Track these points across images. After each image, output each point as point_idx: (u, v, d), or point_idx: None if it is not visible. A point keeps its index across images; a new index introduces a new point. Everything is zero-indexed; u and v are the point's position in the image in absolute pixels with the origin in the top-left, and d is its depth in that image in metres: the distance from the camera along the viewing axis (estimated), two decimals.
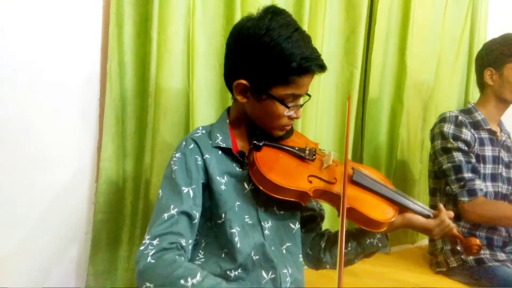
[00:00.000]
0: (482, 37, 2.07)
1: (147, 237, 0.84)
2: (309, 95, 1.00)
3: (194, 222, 0.90)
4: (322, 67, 0.92)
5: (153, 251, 0.81)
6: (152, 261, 0.80)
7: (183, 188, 0.90)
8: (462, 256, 1.07)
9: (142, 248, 0.83)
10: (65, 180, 1.25)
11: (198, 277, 0.78)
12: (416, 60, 1.85)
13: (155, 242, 0.83)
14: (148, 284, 0.79)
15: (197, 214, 0.90)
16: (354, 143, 1.79)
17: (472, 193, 1.45)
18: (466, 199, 1.45)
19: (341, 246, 0.78)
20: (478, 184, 1.46)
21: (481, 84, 1.62)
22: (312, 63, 0.90)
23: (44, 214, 1.22)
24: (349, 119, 1.07)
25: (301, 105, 0.98)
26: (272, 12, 0.92)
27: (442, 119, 1.56)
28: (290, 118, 0.97)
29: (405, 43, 1.79)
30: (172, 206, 0.87)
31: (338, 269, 0.75)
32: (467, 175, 1.46)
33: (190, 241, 0.89)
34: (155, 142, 1.29)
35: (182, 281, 0.77)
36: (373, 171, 1.11)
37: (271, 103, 0.93)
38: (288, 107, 0.93)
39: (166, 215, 0.86)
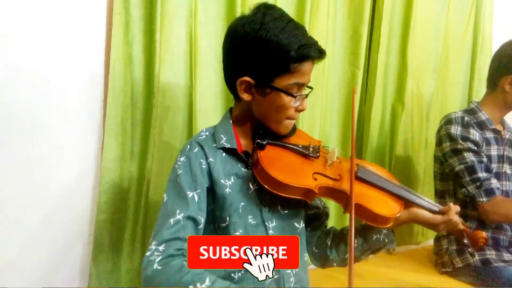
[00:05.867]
0: (487, 36, 2.05)
1: (153, 242, 0.84)
2: (311, 87, 1.00)
3: (199, 227, 0.89)
4: (321, 52, 0.93)
5: (159, 258, 0.81)
6: (159, 267, 0.79)
7: (188, 192, 0.90)
8: (469, 250, 1.06)
9: (148, 254, 0.83)
10: (68, 181, 1.25)
11: (207, 281, 0.78)
12: (418, 60, 1.84)
13: (161, 248, 0.82)
14: None
15: (202, 219, 0.90)
16: (356, 142, 1.78)
17: (489, 192, 1.42)
18: (484, 199, 1.42)
19: (351, 242, 0.78)
20: (494, 183, 1.44)
21: (493, 85, 1.56)
22: (310, 49, 0.91)
23: (48, 216, 1.22)
24: (354, 112, 1.09)
25: (306, 96, 0.98)
26: (264, 7, 0.93)
27: (448, 121, 1.54)
28: (297, 110, 0.98)
29: (406, 43, 1.78)
30: (178, 211, 0.87)
31: (348, 266, 0.75)
32: (482, 174, 1.44)
33: None
34: (157, 143, 1.29)
35: (191, 287, 0.77)
36: (377, 168, 1.11)
37: (276, 96, 0.93)
38: (294, 96, 0.94)
39: (172, 220, 0.86)
